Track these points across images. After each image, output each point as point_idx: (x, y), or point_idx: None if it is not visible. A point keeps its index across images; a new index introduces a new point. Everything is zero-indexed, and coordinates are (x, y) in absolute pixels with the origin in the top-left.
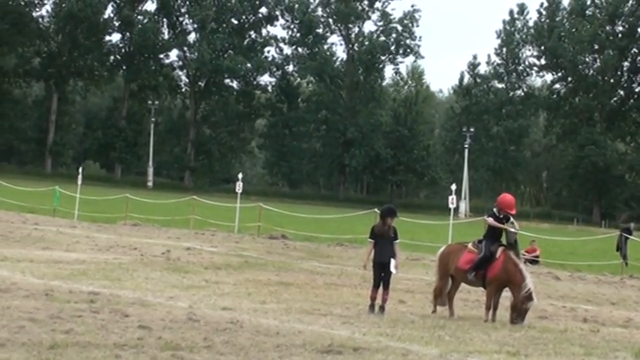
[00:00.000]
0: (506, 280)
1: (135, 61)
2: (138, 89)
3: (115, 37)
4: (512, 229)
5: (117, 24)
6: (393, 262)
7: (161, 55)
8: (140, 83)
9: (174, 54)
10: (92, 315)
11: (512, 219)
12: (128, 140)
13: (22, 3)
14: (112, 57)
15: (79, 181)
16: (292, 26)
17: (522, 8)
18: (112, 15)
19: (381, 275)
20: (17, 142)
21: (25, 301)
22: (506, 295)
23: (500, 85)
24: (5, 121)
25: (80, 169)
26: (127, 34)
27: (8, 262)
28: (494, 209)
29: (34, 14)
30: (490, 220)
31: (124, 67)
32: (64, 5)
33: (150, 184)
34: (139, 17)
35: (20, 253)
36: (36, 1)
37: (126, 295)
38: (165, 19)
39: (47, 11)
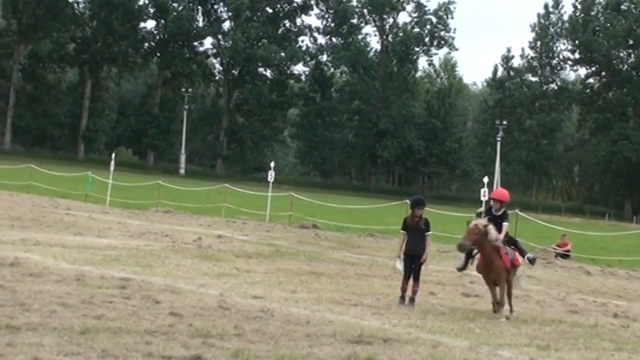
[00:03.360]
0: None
1: (169, 48)
2: (171, 76)
3: (150, 24)
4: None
5: (152, 11)
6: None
7: (195, 43)
8: (174, 70)
9: (208, 42)
10: (123, 301)
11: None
12: (161, 127)
13: None
14: (146, 44)
15: (112, 167)
16: (327, 16)
17: (557, 2)
18: (147, 2)
19: (412, 267)
20: (51, 128)
21: (56, 285)
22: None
23: (533, 79)
24: (39, 106)
25: (113, 156)
26: (162, 21)
27: (41, 246)
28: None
29: (70, 0)
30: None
31: (158, 54)
32: None
33: (182, 171)
34: (173, 5)
35: (52, 238)
36: None
37: (157, 281)
38: (200, 7)
39: None
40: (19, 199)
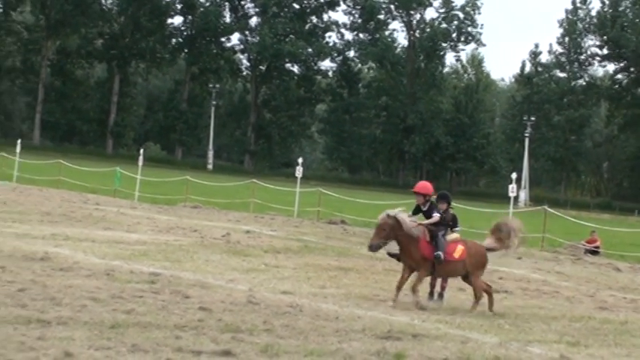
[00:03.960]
0: None
1: (196, 44)
2: (199, 72)
3: (177, 20)
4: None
5: (179, 7)
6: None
7: (223, 39)
8: (201, 66)
9: (235, 38)
10: (153, 296)
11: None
12: (189, 123)
13: None
14: (174, 40)
15: (140, 163)
16: (354, 12)
17: None
18: None
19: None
20: (79, 123)
21: (86, 280)
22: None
23: (561, 75)
24: (68, 101)
25: (141, 151)
26: (190, 17)
27: (70, 241)
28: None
29: None
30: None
31: (186, 50)
32: None
33: (210, 166)
34: (201, 0)
35: (82, 233)
36: None
37: (186, 276)
38: (227, 3)
39: None
40: (49, 194)
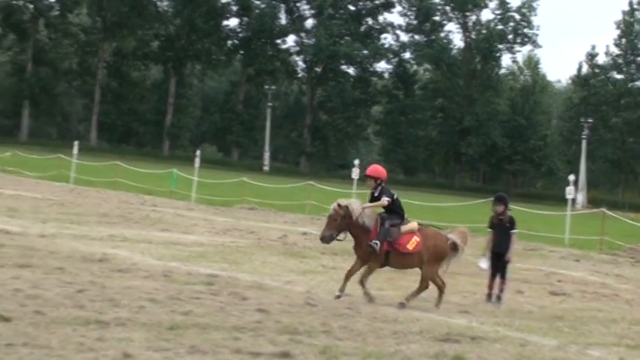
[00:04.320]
0: None
1: (252, 45)
2: (255, 74)
3: (233, 22)
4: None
5: (235, 8)
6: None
7: (278, 41)
8: (257, 68)
9: (291, 39)
10: (211, 297)
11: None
12: (245, 124)
13: None
14: (229, 41)
15: (197, 164)
16: (409, 13)
17: None
18: (230, 0)
19: (498, 265)
20: (136, 124)
21: (144, 281)
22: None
23: (619, 76)
24: (124, 103)
25: (197, 152)
26: (245, 18)
27: (128, 242)
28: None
29: None
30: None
31: (242, 52)
32: None
33: (266, 168)
34: (256, 2)
35: (139, 234)
36: None
37: (244, 278)
38: (282, 5)
39: None
40: (106, 196)
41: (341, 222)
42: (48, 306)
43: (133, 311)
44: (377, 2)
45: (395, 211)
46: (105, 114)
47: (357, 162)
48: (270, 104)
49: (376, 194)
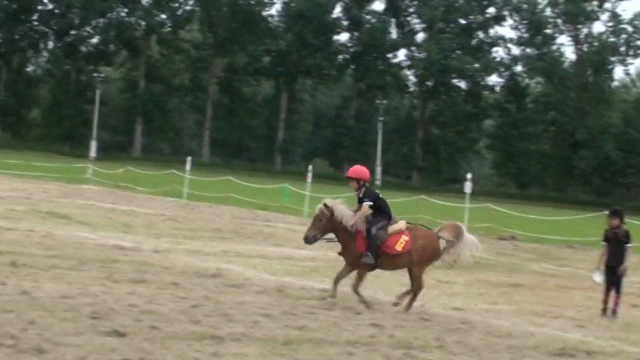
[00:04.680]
0: None
1: (363, 60)
2: (366, 88)
3: (344, 37)
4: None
5: (345, 23)
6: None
7: (389, 55)
8: (368, 82)
9: (402, 53)
10: (324, 312)
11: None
12: (356, 139)
13: (253, 2)
14: (340, 56)
15: (309, 179)
16: (520, 27)
17: None
18: (340, 14)
19: (612, 278)
20: (247, 140)
21: (258, 296)
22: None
23: None
24: (236, 118)
25: (309, 167)
26: (356, 33)
27: (241, 257)
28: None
29: (264, 13)
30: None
31: (353, 67)
32: (293, 4)
33: (378, 182)
34: (367, 17)
35: (252, 250)
36: (266, 1)
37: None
38: (393, 19)
39: (277, 10)
40: (219, 211)
41: (326, 223)
42: (163, 321)
43: (247, 326)
44: (488, 16)
45: (382, 210)
46: (217, 129)
47: (469, 176)
48: (381, 119)
49: (360, 195)
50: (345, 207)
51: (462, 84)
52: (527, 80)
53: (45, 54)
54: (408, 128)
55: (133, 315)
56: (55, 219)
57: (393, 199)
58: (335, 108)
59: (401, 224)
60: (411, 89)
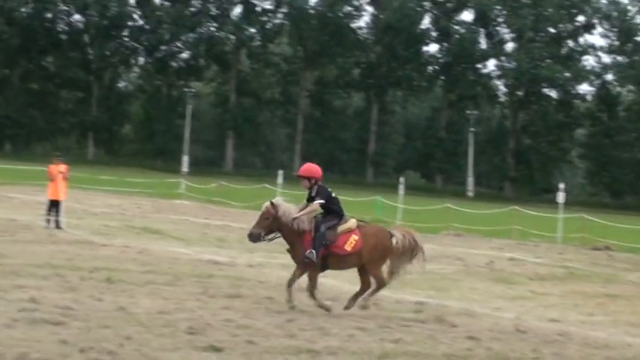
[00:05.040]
0: None
1: (453, 71)
2: (456, 99)
3: (433, 48)
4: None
5: (434, 34)
6: None
7: (478, 65)
8: (458, 93)
9: (491, 63)
10: (420, 325)
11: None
12: (447, 150)
13: (341, 14)
14: (430, 67)
15: (401, 191)
16: (610, 34)
17: None
18: (429, 25)
19: None
20: (339, 152)
21: (352, 310)
22: None
23: None
24: (327, 131)
25: (401, 179)
26: (445, 44)
27: (335, 271)
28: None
29: (353, 25)
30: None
31: (442, 77)
32: (382, 16)
33: (470, 193)
34: (456, 27)
35: None
36: (354, 13)
37: (452, 305)
38: (482, 29)
39: (365, 22)
40: None
41: (272, 222)
42: (259, 335)
43: (343, 340)
44: (577, 24)
45: (333, 210)
46: (308, 142)
47: (562, 186)
48: (472, 129)
49: (313, 194)
50: (290, 205)
51: (553, 93)
52: (618, 88)
53: (136, 70)
54: (499, 138)
55: (230, 330)
56: (149, 234)
57: (486, 210)
58: (425, 119)
59: (351, 223)
60: (501, 99)
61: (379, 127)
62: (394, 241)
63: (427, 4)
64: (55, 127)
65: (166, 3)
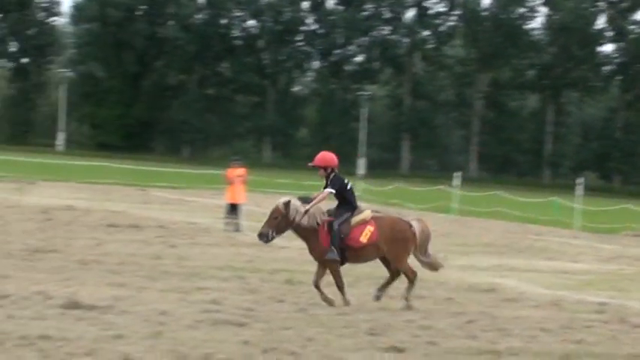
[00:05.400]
0: None
1: (629, 70)
2: (633, 99)
3: (608, 48)
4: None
5: (610, 34)
6: None
7: None
8: (636, 93)
9: None
10: (602, 325)
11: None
12: (625, 150)
13: (515, 16)
14: (605, 67)
15: (578, 192)
16: None
17: None
18: (604, 25)
19: None
20: (514, 154)
21: (534, 310)
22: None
23: None
24: (502, 132)
25: (579, 180)
26: (621, 43)
27: (515, 272)
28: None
29: (527, 27)
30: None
31: (619, 77)
32: (556, 17)
33: None
34: (631, 27)
35: (525, 264)
36: (528, 14)
37: (634, 305)
38: None
39: (540, 23)
40: (489, 225)
41: (281, 221)
42: (440, 336)
43: (525, 341)
44: None
45: (346, 201)
46: (484, 144)
47: None
48: None
49: (328, 183)
50: (300, 204)
51: None
52: None
53: (310, 73)
54: None
55: (411, 330)
56: None
57: None
58: (602, 120)
59: (365, 214)
60: None
61: (555, 128)
62: (414, 230)
63: (602, 4)
64: (231, 132)
65: (339, 7)
